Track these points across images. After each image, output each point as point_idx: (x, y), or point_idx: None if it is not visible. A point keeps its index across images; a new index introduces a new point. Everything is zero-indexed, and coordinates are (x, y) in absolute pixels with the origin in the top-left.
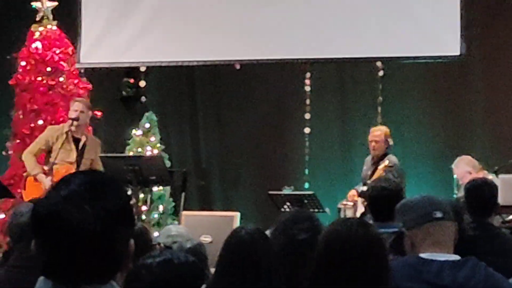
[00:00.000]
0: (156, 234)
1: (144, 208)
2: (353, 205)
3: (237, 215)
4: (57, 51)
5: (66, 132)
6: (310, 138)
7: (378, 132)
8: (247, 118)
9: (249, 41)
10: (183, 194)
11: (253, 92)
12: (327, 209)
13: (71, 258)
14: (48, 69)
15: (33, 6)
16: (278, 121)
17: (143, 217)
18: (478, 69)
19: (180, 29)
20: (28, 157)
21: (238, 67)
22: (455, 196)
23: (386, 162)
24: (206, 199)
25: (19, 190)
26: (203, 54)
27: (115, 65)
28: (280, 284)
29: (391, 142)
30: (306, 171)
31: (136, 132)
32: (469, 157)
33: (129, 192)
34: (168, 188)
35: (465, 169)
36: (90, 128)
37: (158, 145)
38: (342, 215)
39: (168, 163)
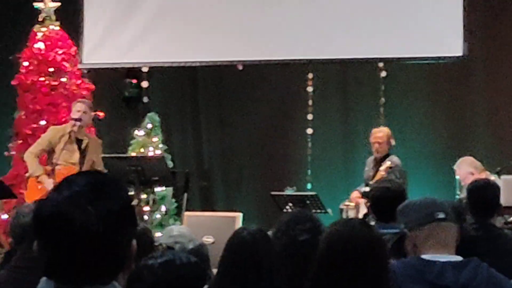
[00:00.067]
0: (158, 234)
1: (146, 208)
2: (355, 206)
3: (239, 215)
4: (60, 52)
5: (69, 133)
6: (313, 138)
7: (381, 133)
8: (249, 119)
9: (251, 41)
10: (185, 195)
11: (255, 92)
12: (329, 210)
13: (73, 259)
14: (51, 69)
15: (36, 7)
16: (280, 121)
17: (146, 217)
18: (481, 70)
19: (182, 30)
20: (30, 157)
21: (240, 67)
22: (457, 197)
23: (388, 163)
24: (209, 200)
25: (21, 191)
26: (206, 55)
27: (118, 66)
28: (282, 284)
29: (393, 143)
30: (309, 172)
31: (139, 133)
32: (472, 158)
33: (131, 193)
34: (170, 188)
35: (467, 170)
36: (92, 129)
37: (161, 145)
38: (344, 216)
39: (170, 164)
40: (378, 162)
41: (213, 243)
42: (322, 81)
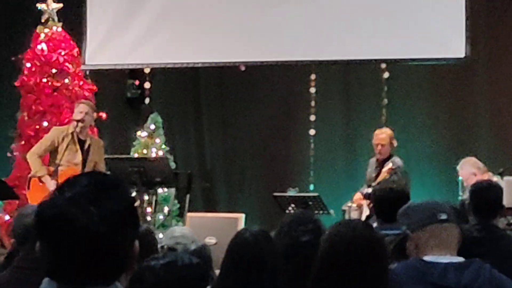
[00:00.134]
0: (161, 235)
1: (149, 209)
2: (358, 207)
3: (241, 216)
4: (62, 53)
5: (71, 134)
6: (315, 139)
7: (383, 135)
8: (252, 120)
9: (253, 42)
10: (188, 196)
11: (258, 93)
12: (331, 211)
13: (75, 259)
14: (53, 70)
15: (39, 8)
16: (283, 122)
17: (148, 218)
18: (483, 71)
19: (185, 31)
20: (33, 157)
21: (243, 68)
22: (460, 198)
23: (390, 164)
24: (211, 201)
25: (24, 192)
26: (208, 56)
27: (120, 67)
28: (284, 285)
29: (395, 144)
30: (311, 173)
31: (141, 134)
32: (474, 158)
33: (134, 194)
34: (173, 189)
35: (470, 170)
36: (95, 129)
37: (163, 146)
38: (346, 217)
39: (173, 165)
40: (381, 164)
41: (215, 244)
42: (324, 82)
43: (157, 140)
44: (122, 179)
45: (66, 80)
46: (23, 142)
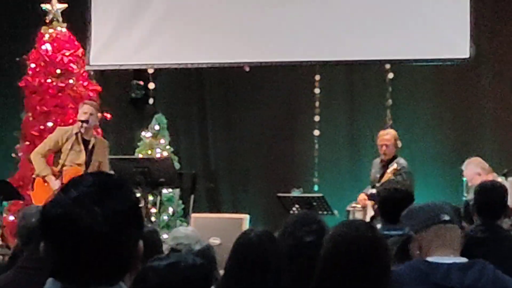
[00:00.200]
0: (165, 236)
1: (153, 210)
2: (362, 208)
3: (246, 217)
4: (67, 53)
5: (76, 134)
6: (319, 140)
7: (388, 136)
8: (256, 120)
9: (258, 43)
10: (192, 196)
11: (262, 94)
12: (335, 212)
13: (80, 260)
14: (58, 71)
15: (43, 8)
16: (287, 123)
17: (153, 219)
18: (487, 71)
19: (189, 32)
20: (37, 157)
21: (247, 69)
22: (464, 198)
23: (394, 165)
24: (215, 201)
25: (28, 192)
26: (212, 57)
27: (125, 67)
28: (288, 285)
29: (400, 145)
30: (315, 173)
31: (146, 134)
32: (479, 159)
33: (138, 194)
34: (177, 190)
35: (474, 171)
36: (99, 130)
37: (168, 147)
38: (351, 218)
39: (177, 165)
40: (385, 164)
41: (219, 244)
42: (329, 83)
43: (162, 141)
44: (126, 179)
45: (71, 81)
46: (27, 143)
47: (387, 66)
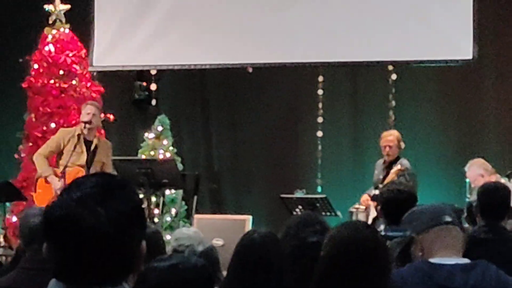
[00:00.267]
0: (168, 237)
1: (156, 211)
2: (365, 209)
3: (249, 218)
4: (70, 54)
5: (78, 135)
6: (323, 141)
7: (391, 137)
8: (259, 122)
9: (261, 44)
10: (195, 198)
11: (265, 95)
12: (339, 213)
13: (83, 260)
14: (61, 72)
15: (46, 9)
16: (290, 124)
17: (156, 220)
18: (491, 72)
19: (192, 33)
20: (39, 158)
21: (250, 70)
22: (467, 199)
23: (398, 166)
24: (218, 203)
25: (31, 193)
26: (216, 58)
27: (128, 68)
28: (291, 286)
29: (403, 146)
30: (319, 175)
31: (149, 135)
32: (482, 160)
33: (141, 195)
34: (180, 191)
35: (477, 172)
36: (102, 131)
37: (171, 148)
38: (354, 219)
39: (180, 166)
40: (388, 166)
41: (222, 245)
42: (332, 84)
43: (165, 142)
44: (129, 180)
45: (74, 82)
46: (30, 144)
47: (390, 67)
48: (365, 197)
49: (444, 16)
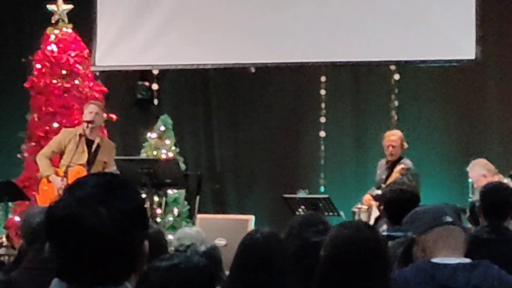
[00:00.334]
0: (170, 237)
1: (158, 211)
2: (367, 209)
3: (251, 218)
4: (73, 54)
5: (80, 134)
6: (325, 141)
7: (394, 137)
8: (262, 122)
9: (264, 44)
10: (197, 197)
11: (268, 95)
12: (341, 213)
13: (85, 260)
14: (64, 72)
15: (49, 9)
16: (293, 124)
17: (158, 220)
18: (493, 72)
19: (194, 33)
20: (41, 159)
21: (253, 70)
22: (469, 199)
23: (402, 165)
24: (221, 202)
25: (33, 193)
26: (218, 57)
27: (130, 68)
28: (294, 286)
29: (406, 146)
30: (321, 175)
31: (151, 135)
32: (485, 160)
33: (144, 195)
34: (182, 191)
35: (480, 172)
36: (105, 131)
37: (173, 148)
38: (357, 219)
39: (183, 166)
40: (391, 165)
41: (225, 245)
42: (334, 84)
43: (167, 142)
44: (131, 180)
45: (76, 81)
46: (33, 143)
47: (393, 67)
48: (367, 197)
49: (446, 16)
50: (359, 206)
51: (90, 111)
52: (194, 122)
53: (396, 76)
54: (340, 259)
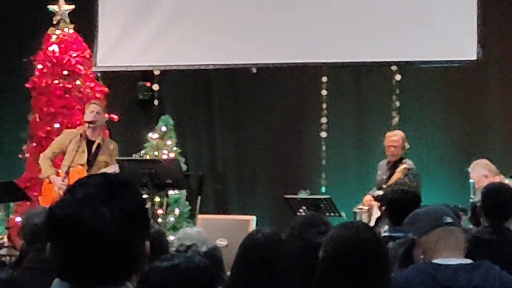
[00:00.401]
0: (172, 237)
1: (160, 211)
2: (368, 209)
3: (253, 219)
4: (74, 55)
5: (81, 134)
6: (327, 142)
7: (396, 137)
8: (263, 122)
9: (265, 45)
10: (199, 198)
11: (269, 96)
12: (343, 213)
13: (87, 260)
14: (65, 72)
15: (50, 9)
16: (294, 125)
17: (159, 220)
18: (495, 73)
19: (196, 33)
20: (43, 160)
21: (254, 71)
22: (471, 200)
23: (404, 165)
24: (222, 203)
25: (35, 193)
26: (220, 58)
27: (132, 69)
28: (295, 286)
29: (407, 146)
30: (323, 175)
31: (153, 136)
32: (486, 160)
33: (145, 196)
34: (184, 191)
35: (481, 172)
36: (106, 131)
37: (175, 148)
38: (358, 219)
39: (184, 167)
40: (392, 166)
41: (226, 246)
42: (336, 85)
43: (169, 142)
44: (132, 180)
45: (78, 82)
46: (34, 144)
47: (394, 67)
48: (368, 197)
49: (448, 16)
50: (361, 206)
51: (91, 110)
52: (195, 122)
53: (398, 77)
54: (340, 259)
